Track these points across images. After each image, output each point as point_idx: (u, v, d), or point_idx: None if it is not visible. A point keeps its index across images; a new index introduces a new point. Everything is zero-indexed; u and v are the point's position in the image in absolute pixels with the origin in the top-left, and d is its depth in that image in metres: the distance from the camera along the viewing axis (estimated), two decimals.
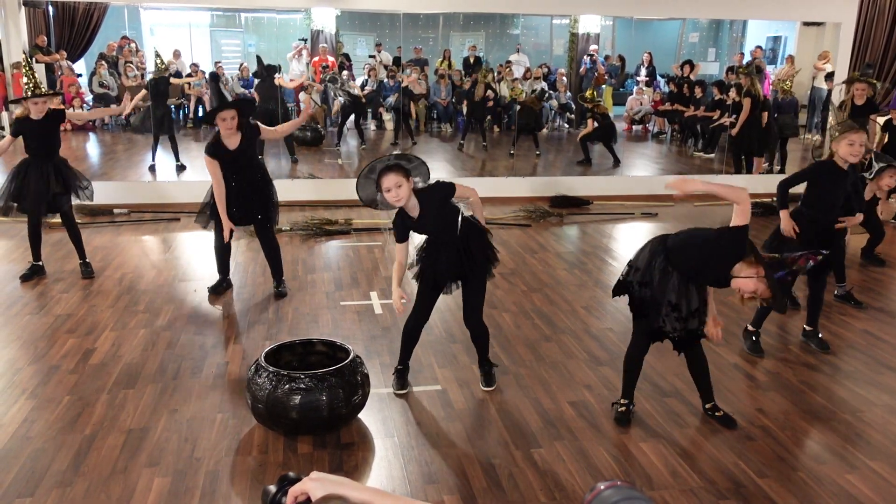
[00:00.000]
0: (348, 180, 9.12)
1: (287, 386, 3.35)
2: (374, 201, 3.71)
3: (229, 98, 4.91)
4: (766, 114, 9.62)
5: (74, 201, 5.80)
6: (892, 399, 4.04)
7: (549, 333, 4.87)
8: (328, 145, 11.27)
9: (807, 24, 11.60)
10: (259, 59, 9.84)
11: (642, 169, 10.94)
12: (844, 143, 4.35)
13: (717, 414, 3.73)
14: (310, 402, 3.34)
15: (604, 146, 10.56)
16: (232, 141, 5.05)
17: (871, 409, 3.93)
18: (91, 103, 11.67)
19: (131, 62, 11.69)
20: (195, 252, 6.57)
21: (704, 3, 9.32)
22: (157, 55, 9.67)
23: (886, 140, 7.54)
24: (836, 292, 5.52)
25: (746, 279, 3.16)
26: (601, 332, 4.88)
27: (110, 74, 11.64)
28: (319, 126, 11.51)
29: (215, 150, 5.03)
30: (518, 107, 11.09)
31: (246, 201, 5.18)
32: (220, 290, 5.47)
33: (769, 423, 3.75)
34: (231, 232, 5.15)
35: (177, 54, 12.52)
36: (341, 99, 10.73)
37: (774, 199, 9.14)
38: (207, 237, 5.68)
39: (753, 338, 4.62)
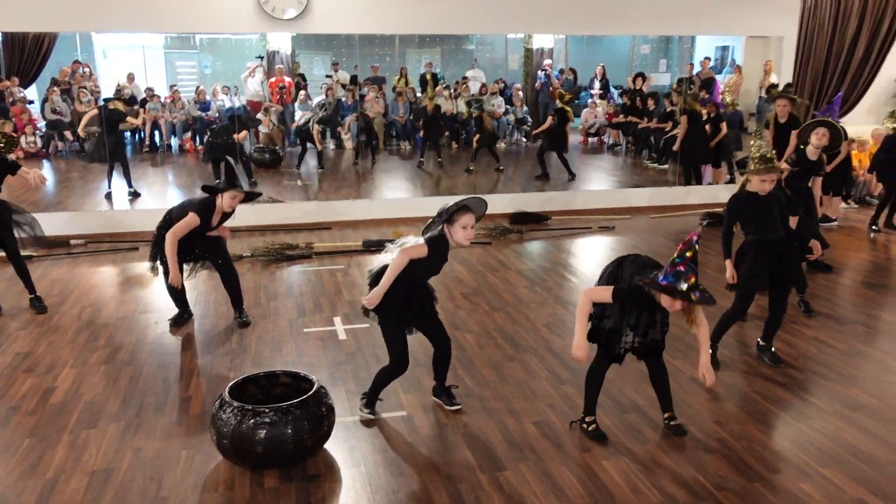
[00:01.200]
0: (309, 203, 9.15)
1: (252, 420, 3.36)
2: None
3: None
4: (723, 124, 9.88)
5: (20, 234, 5.77)
6: (843, 406, 4.19)
7: (513, 353, 4.94)
8: (287, 167, 11.25)
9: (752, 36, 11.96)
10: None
11: (599, 182, 11.13)
12: (757, 180, 4.67)
13: (671, 423, 3.90)
14: (275, 436, 3.36)
15: (558, 157, 10.71)
16: (218, 217, 5.21)
17: (822, 416, 4.08)
18: (44, 130, 11.51)
19: (85, 87, 11.55)
20: (155, 283, 6.50)
21: (652, 20, 9.55)
22: (119, 91, 9.70)
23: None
24: None
25: (661, 298, 3.47)
26: (563, 350, 4.96)
27: (63, 100, 11.49)
28: (278, 147, 11.49)
29: (205, 215, 5.11)
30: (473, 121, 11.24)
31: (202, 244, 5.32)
32: (181, 321, 5.45)
33: (726, 434, 3.87)
34: (181, 278, 5.23)
35: (130, 78, 12.41)
36: (318, 126, 10.88)
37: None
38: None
39: (710, 351, 4.75)
